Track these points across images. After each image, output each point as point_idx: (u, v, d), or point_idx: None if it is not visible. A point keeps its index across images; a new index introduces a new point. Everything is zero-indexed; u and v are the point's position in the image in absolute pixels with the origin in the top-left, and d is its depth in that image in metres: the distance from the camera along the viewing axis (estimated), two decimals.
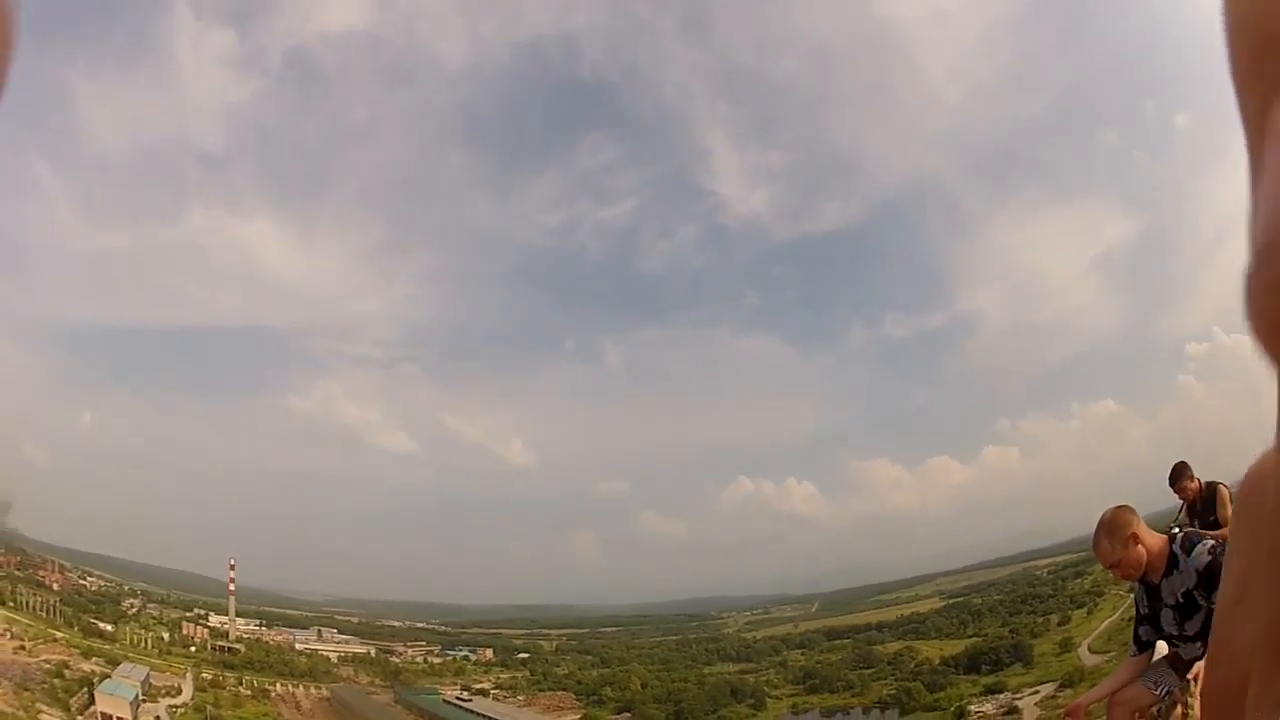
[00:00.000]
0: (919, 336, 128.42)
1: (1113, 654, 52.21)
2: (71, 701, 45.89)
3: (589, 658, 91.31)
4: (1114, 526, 3.52)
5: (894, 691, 68.01)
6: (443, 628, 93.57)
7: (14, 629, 50.59)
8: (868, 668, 75.27)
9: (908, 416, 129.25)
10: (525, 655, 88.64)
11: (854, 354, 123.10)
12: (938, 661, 71.47)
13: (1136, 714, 3.76)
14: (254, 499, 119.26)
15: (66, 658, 50.72)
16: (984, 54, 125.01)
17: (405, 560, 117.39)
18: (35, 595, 55.89)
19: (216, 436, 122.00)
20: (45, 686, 46.06)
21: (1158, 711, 3.40)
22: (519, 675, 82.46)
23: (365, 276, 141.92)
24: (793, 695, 76.81)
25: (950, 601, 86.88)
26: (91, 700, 47.13)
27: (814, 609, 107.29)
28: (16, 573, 58.19)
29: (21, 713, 42.55)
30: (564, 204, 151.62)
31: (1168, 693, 3.55)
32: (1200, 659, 3.28)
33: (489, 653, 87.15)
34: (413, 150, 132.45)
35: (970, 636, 75.03)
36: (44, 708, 44.02)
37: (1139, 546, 3.47)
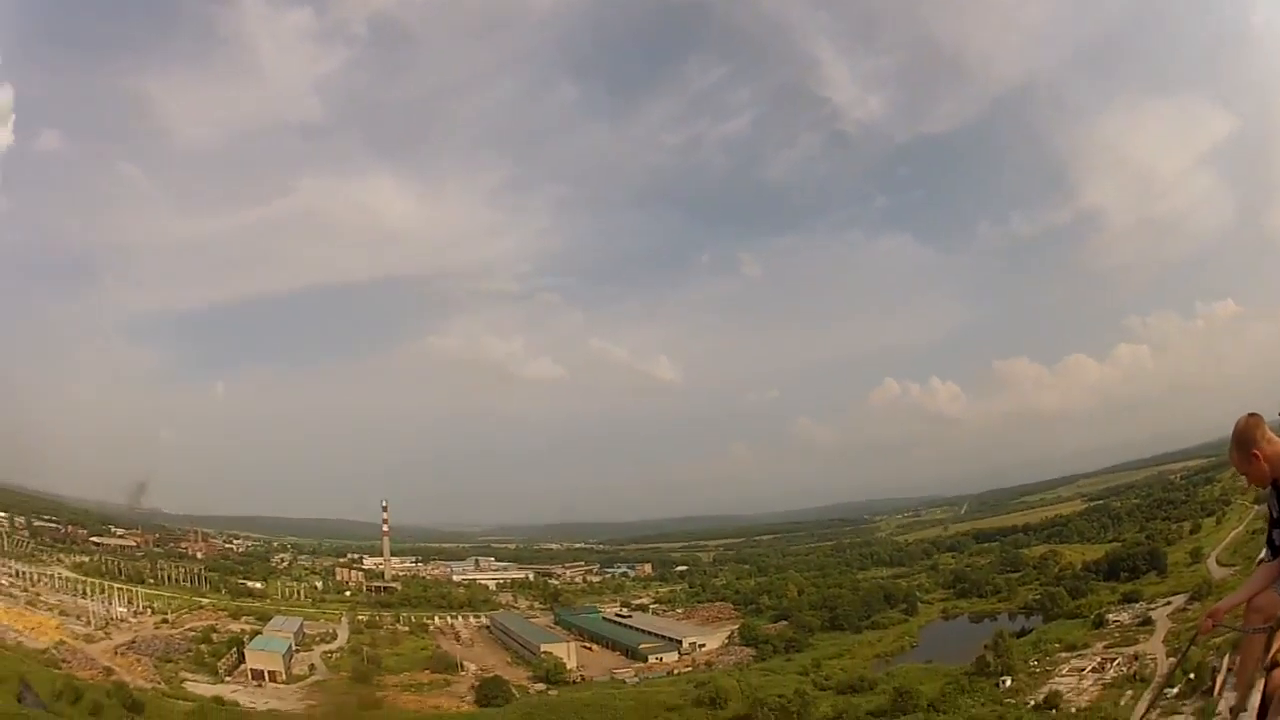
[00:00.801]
0: (1045, 233, 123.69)
1: (1238, 568, 54.01)
2: (219, 664, 50.07)
3: (746, 567, 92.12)
4: (1241, 439, 3.87)
5: (1038, 597, 70.17)
6: (601, 547, 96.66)
7: (155, 604, 55.26)
8: (1014, 571, 78.18)
9: (1042, 314, 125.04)
10: (683, 568, 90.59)
11: (985, 251, 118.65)
12: (1079, 567, 72.82)
13: (1272, 621, 3.91)
14: (403, 442, 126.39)
15: (213, 622, 55.26)
16: None
17: (560, 485, 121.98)
18: (178, 567, 60.89)
19: (358, 387, 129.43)
20: (190, 654, 50.34)
21: None
22: (677, 588, 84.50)
23: (493, 215, 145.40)
24: (943, 600, 78.45)
25: (1091, 504, 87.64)
26: (241, 659, 51.30)
27: (963, 510, 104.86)
28: (156, 549, 63.45)
29: (164, 685, 46.40)
30: (682, 124, 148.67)
31: None
32: None
33: (647, 568, 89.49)
34: (520, 91, 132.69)
35: (1110, 541, 76.84)
36: (189, 674, 48.20)
37: (1262, 461, 3.81)
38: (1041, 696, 50.16)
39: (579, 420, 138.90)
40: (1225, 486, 74.33)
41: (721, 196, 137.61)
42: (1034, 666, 54.54)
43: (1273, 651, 3.85)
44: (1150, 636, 53.79)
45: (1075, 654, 55.16)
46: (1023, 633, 62.61)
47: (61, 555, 62.24)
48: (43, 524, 66.26)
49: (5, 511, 64.62)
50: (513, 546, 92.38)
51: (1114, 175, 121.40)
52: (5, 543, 61.94)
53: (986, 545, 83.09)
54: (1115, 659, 52.19)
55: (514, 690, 59.15)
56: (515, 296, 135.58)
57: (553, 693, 59.75)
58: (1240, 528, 67.04)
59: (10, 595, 54.49)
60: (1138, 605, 60.24)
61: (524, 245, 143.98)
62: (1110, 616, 60.30)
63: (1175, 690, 37.64)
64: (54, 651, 47.62)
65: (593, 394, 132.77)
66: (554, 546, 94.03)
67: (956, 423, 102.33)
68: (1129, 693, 47.77)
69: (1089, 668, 52.06)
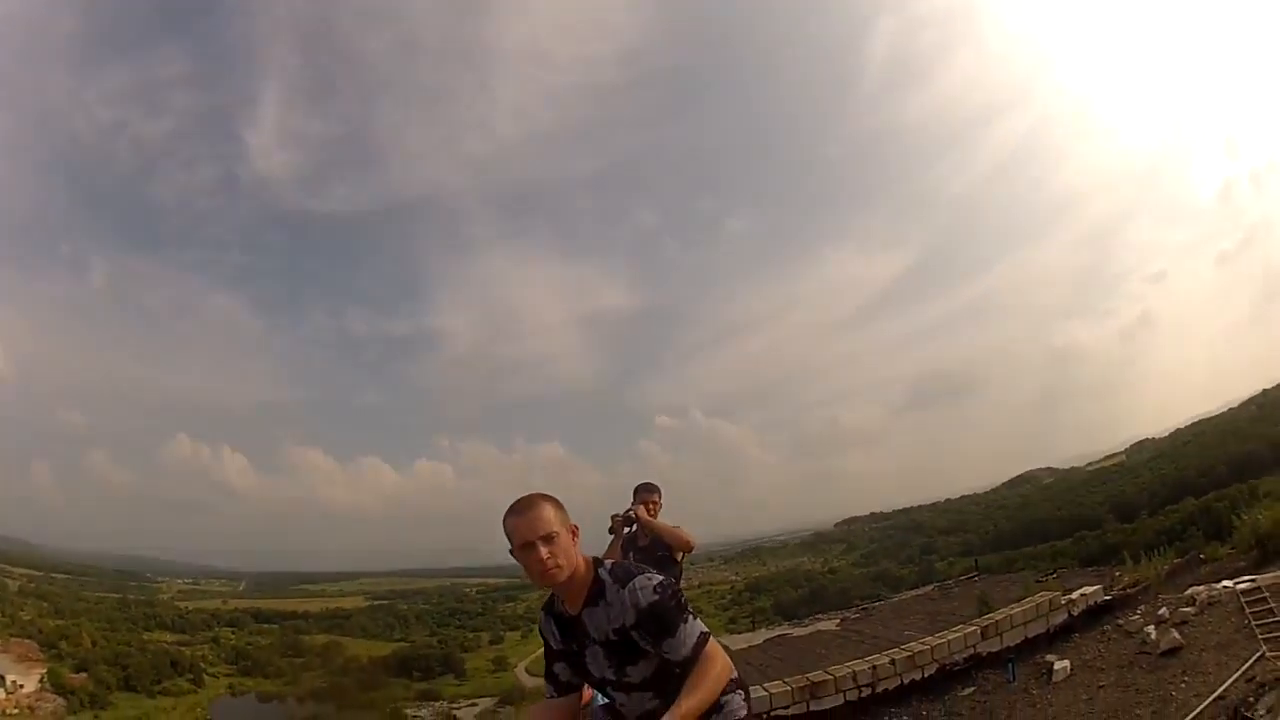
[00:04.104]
0: (379, 338, 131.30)
1: None
2: None
3: (46, 605, 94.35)
4: (558, 501, 2.25)
5: (325, 685, 60.12)
6: None
7: None
8: (297, 656, 67.35)
9: (351, 412, 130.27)
10: None
11: (311, 338, 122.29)
12: (366, 660, 63.13)
13: None
14: None
15: None
16: (562, 100, 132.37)
17: None
18: None
19: None
20: None
21: None
22: None
23: None
24: (229, 675, 65.47)
25: (375, 603, 78.76)
26: None
27: (241, 587, 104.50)
28: None
29: None
30: (120, 102, 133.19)
31: None
32: (654, 712, 2.20)
33: None
34: None
35: (398, 640, 70.07)
36: None
37: (578, 541, 2.27)
38: None
39: None
40: (531, 605, 72.04)
41: (111, 194, 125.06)
42: None
43: None
44: None
45: None
46: (315, 717, 54.86)
47: None
48: None
49: None
50: None
51: (477, 307, 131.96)
52: None
53: (267, 626, 75.76)
54: None
55: None
56: None
57: None
58: None
59: None
60: (438, 704, 59.36)
61: None
62: (409, 712, 57.41)
63: None
64: None
65: None
66: None
67: (241, 496, 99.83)
68: None
69: None
